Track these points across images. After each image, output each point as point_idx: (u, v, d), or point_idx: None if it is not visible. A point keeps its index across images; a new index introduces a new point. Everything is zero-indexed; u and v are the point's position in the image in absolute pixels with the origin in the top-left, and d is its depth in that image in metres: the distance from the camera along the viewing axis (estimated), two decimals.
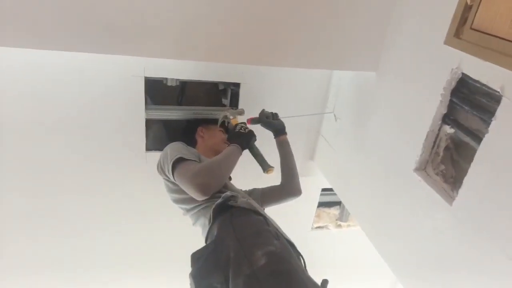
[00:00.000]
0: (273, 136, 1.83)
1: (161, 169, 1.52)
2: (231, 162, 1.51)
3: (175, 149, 1.52)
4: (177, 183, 1.44)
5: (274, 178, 1.81)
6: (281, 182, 1.80)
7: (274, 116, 1.85)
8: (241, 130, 1.69)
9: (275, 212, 1.75)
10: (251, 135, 1.69)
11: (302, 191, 1.82)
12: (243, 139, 1.64)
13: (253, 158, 1.73)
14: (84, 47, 1.36)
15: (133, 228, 2.39)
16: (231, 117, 1.81)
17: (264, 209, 1.73)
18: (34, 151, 1.95)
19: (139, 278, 2.66)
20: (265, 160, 1.72)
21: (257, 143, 1.75)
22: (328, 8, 1.51)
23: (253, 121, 1.84)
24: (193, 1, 1.37)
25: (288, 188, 1.78)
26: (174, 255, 2.51)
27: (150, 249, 2.53)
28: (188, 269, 1.26)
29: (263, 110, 1.85)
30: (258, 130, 1.78)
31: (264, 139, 1.80)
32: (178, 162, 1.43)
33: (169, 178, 1.49)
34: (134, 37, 1.38)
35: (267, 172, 1.69)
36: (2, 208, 2.09)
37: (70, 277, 2.48)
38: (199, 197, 1.35)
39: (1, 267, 2.31)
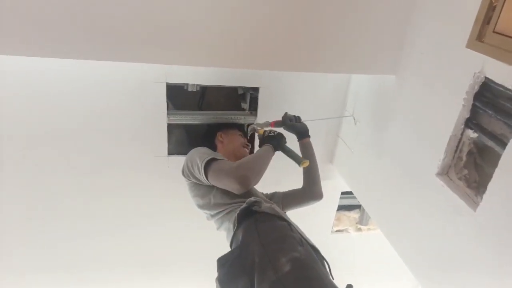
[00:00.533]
0: (297, 139, 1.85)
1: (188, 172, 1.56)
2: (266, 160, 1.58)
3: (203, 152, 1.57)
4: (211, 181, 1.48)
5: (295, 181, 1.82)
6: (303, 186, 1.81)
7: (297, 119, 1.86)
8: (270, 134, 1.75)
9: (295, 215, 1.76)
10: (281, 136, 1.74)
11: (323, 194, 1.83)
12: (275, 141, 1.70)
13: (276, 160, 1.75)
14: (109, 56, 1.40)
15: (155, 231, 2.44)
16: (258, 128, 1.85)
17: (285, 212, 1.75)
18: (59, 154, 2.02)
19: (162, 280, 2.72)
20: (298, 155, 1.76)
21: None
22: (345, 12, 1.52)
23: (277, 124, 1.86)
24: (214, 10, 1.40)
25: (310, 191, 1.78)
26: (194, 258, 2.56)
27: (171, 251, 2.57)
28: (208, 272, 1.29)
29: (286, 113, 1.86)
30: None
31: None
32: (210, 163, 1.49)
33: (198, 179, 1.53)
34: (156, 45, 1.42)
35: (302, 164, 1.71)
36: (22, 211, 2.17)
37: (87, 278, 2.55)
38: (239, 190, 1.41)
39: (15, 269, 2.39)
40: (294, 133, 1.84)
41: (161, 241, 2.50)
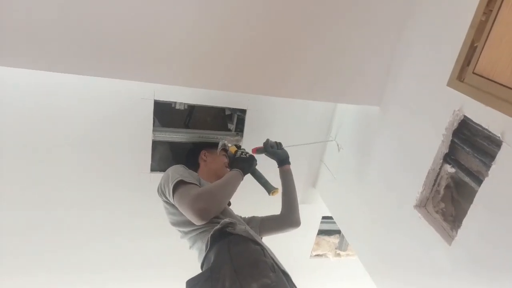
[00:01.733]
0: (277, 166, 1.86)
1: (161, 191, 1.54)
2: (232, 187, 1.53)
3: (176, 171, 1.54)
4: (176, 206, 1.44)
5: (274, 206, 1.82)
6: (281, 212, 1.80)
7: (279, 145, 1.88)
8: (241, 155, 1.72)
9: (275, 238, 1.76)
10: (252, 159, 1.72)
11: (303, 218, 1.83)
12: (245, 164, 1.66)
13: (254, 183, 1.75)
14: (97, 72, 1.41)
15: (133, 246, 2.39)
16: (229, 145, 1.84)
17: (262, 237, 1.74)
18: (43, 167, 1.98)
19: None
20: (269, 182, 1.75)
21: (260, 169, 1.78)
22: (334, 43, 1.57)
23: (258, 151, 1.86)
24: (203, 33, 1.43)
25: (288, 218, 1.77)
26: (172, 275, 2.51)
27: (149, 267, 2.52)
28: None
29: (267, 140, 1.88)
30: (261, 158, 1.81)
31: (265, 166, 1.83)
32: (178, 185, 1.44)
33: (169, 200, 1.50)
34: (145, 64, 1.43)
35: (272, 193, 1.70)
36: (8, 219, 2.11)
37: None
38: (198, 222, 1.36)
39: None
40: (275, 160, 1.85)
41: (138, 255, 2.45)
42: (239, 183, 1.58)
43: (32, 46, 1.30)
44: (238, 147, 1.82)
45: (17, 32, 1.26)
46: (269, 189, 1.71)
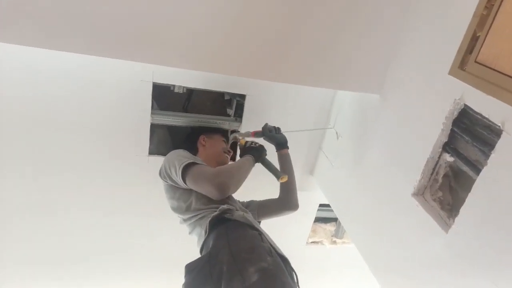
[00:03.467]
0: (275, 150, 1.86)
1: (165, 174, 1.55)
2: (246, 170, 1.59)
3: (182, 155, 1.56)
4: (189, 185, 1.47)
5: (272, 191, 1.83)
6: (279, 196, 1.82)
7: (277, 130, 1.88)
8: (252, 145, 1.76)
9: (271, 225, 1.78)
10: (262, 149, 1.76)
11: (300, 205, 1.84)
12: (255, 152, 1.71)
13: (256, 171, 1.76)
14: (97, 51, 1.39)
15: (132, 229, 2.40)
16: (240, 137, 1.86)
17: (260, 221, 1.75)
18: (40, 150, 1.97)
19: (136, 279, 2.67)
20: (277, 169, 1.78)
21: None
22: (335, 30, 1.54)
23: (257, 134, 1.88)
24: (203, 13, 1.40)
25: (286, 202, 1.80)
26: (172, 259, 2.54)
27: (148, 251, 2.54)
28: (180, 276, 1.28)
29: (266, 124, 1.88)
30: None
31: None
32: (189, 166, 1.48)
33: (175, 182, 1.52)
34: (144, 44, 1.41)
35: (281, 179, 1.73)
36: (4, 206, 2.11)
37: (66, 276, 2.50)
38: (217, 196, 1.41)
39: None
40: (273, 144, 1.86)
41: (134, 239, 2.46)
42: (251, 168, 1.63)
43: (32, 22, 1.27)
44: (247, 141, 1.84)
45: (18, 7, 1.24)
46: (278, 175, 1.74)
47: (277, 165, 1.83)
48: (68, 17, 1.29)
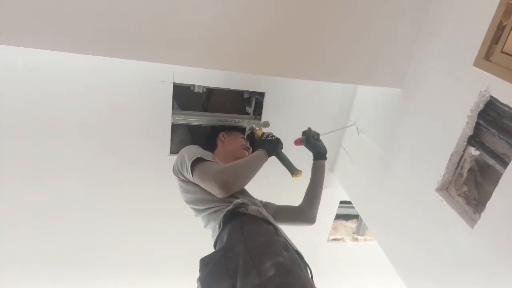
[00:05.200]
0: (312, 158, 1.79)
1: (178, 170, 1.57)
2: (255, 166, 1.55)
3: (193, 151, 1.57)
4: (196, 181, 1.48)
5: (292, 199, 1.79)
6: (300, 205, 1.77)
7: (317, 137, 1.81)
8: (268, 138, 1.73)
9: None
10: (278, 142, 1.72)
11: (320, 201, 1.82)
12: (270, 146, 1.68)
13: (275, 167, 1.75)
14: (120, 54, 1.42)
15: (153, 227, 2.44)
16: (257, 128, 1.84)
17: None
18: (63, 150, 2.03)
19: (158, 278, 2.72)
20: (292, 164, 1.72)
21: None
22: (356, 24, 1.53)
23: (303, 142, 1.79)
24: (223, 14, 1.41)
25: (305, 213, 1.74)
26: (191, 254, 2.56)
27: (169, 248, 2.58)
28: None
29: (309, 129, 1.80)
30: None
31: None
32: (197, 162, 1.48)
33: (186, 177, 1.53)
34: (166, 46, 1.43)
35: (295, 175, 1.68)
36: (24, 204, 2.18)
37: (86, 273, 2.56)
38: (220, 194, 1.40)
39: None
40: (312, 151, 1.79)
41: (160, 238, 2.50)
42: (263, 163, 1.60)
43: (52, 27, 1.31)
44: (264, 132, 1.80)
45: (38, 12, 1.28)
46: (292, 170, 1.69)
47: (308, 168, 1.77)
48: (94, 23, 1.33)
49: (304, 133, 1.82)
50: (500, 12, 1.14)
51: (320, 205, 1.76)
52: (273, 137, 1.74)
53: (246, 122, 2.17)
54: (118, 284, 2.66)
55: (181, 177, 1.57)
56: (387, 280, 2.96)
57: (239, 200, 1.40)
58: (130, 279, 2.66)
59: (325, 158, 1.79)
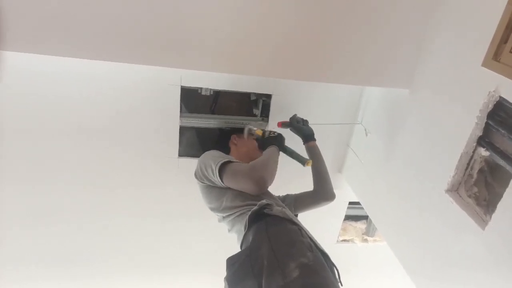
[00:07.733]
0: (302, 143, 1.86)
1: (202, 175, 1.58)
2: (276, 161, 1.61)
3: (217, 155, 1.59)
4: (226, 183, 1.50)
5: (305, 185, 1.83)
6: (313, 188, 1.82)
7: (305, 122, 1.88)
8: (271, 135, 1.77)
9: (302, 221, 1.76)
10: (281, 137, 1.77)
11: (328, 206, 1.83)
12: (277, 141, 1.72)
13: (284, 162, 1.77)
14: (127, 59, 1.44)
15: (162, 229, 2.46)
16: (254, 128, 1.87)
17: (297, 215, 1.75)
18: (70, 153, 2.05)
19: (169, 281, 2.74)
20: (300, 155, 1.77)
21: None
22: (362, 24, 1.53)
23: (284, 124, 1.88)
24: (230, 18, 1.42)
25: (321, 193, 1.80)
26: (202, 257, 2.58)
27: (178, 251, 2.59)
28: (218, 272, 1.29)
29: (294, 115, 1.88)
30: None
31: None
32: (225, 165, 1.51)
33: (212, 182, 1.55)
34: (173, 50, 1.44)
35: (307, 164, 1.73)
36: (29, 206, 2.21)
37: (90, 274, 2.59)
38: (256, 191, 1.44)
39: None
40: (300, 136, 1.86)
41: (168, 240, 2.52)
42: (278, 158, 1.64)
43: (62, 34, 1.33)
44: (264, 130, 1.84)
45: (50, 20, 1.30)
46: (303, 161, 1.74)
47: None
48: (98, 26, 1.34)
49: (290, 118, 1.89)
50: (508, 11, 1.13)
51: (330, 179, 1.83)
52: (276, 134, 1.78)
53: (254, 124, 2.17)
54: (118, 285, 2.68)
55: (206, 182, 1.58)
56: (398, 281, 2.94)
57: (264, 201, 1.42)
58: (133, 280, 2.68)
59: (314, 139, 1.86)
